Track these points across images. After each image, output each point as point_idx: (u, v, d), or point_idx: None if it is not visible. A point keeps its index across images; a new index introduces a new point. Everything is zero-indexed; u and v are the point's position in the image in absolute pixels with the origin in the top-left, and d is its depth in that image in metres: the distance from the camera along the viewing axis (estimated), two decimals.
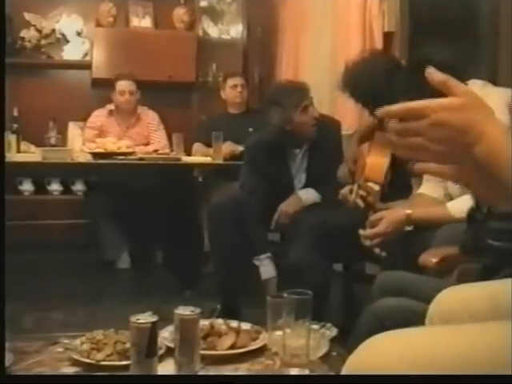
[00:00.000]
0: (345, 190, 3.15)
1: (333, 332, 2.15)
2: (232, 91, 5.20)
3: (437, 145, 1.00)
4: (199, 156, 4.85)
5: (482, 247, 1.72)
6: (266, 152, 3.76)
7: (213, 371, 1.94)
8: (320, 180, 3.68)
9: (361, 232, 2.64)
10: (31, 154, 4.73)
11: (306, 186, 3.78)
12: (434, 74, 1.01)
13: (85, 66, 6.16)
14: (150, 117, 5.50)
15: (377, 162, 3.10)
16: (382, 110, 1.02)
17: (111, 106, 5.44)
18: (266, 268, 3.57)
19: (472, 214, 1.85)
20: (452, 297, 1.53)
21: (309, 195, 3.69)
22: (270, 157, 3.76)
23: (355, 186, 3.08)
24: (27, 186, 5.81)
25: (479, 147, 0.99)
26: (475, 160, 1.00)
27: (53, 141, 5.68)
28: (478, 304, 1.44)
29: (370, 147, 3.21)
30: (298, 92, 3.66)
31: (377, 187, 2.98)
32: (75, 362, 1.98)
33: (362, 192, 3.01)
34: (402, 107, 1.01)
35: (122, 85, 5.30)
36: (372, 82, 3.02)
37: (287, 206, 3.62)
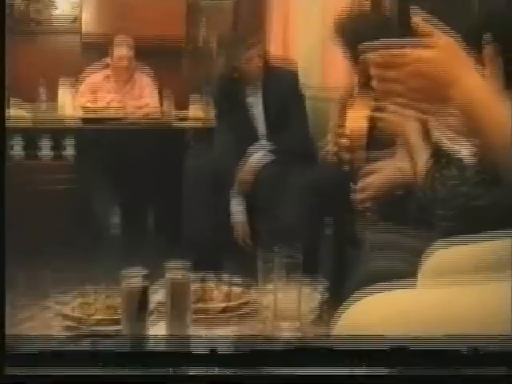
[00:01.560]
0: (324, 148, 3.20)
1: (324, 284, 2.16)
2: None
3: (413, 93, 1.04)
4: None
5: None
6: (224, 91, 4.08)
7: (204, 332, 1.96)
8: (278, 127, 3.93)
9: (352, 186, 2.61)
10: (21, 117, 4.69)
11: (267, 134, 4.01)
12: (419, 23, 1.04)
13: (74, 31, 6.10)
14: (144, 82, 5.43)
15: (358, 114, 3.10)
16: (363, 56, 1.06)
17: (107, 71, 5.36)
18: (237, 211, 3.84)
19: (420, 200, 1.88)
20: (443, 253, 1.53)
21: (258, 158, 3.84)
22: (228, 96, 4.03)
23: (329, 137, 3.11)
24: (18, 149, 5.76)
25: (454, 91, 1.02)
26: (450, 107, 1.03)
27: (43, 107, 5.64)
28: (467, 261, 1.44)
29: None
30: (242, 42, 3.98)
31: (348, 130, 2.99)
32: (67, 328, 1.99)
33: (336, 138, 3.04)
34: (384, 53, 1.05)
35: (121, 51, 5.23)
36: (364, 28, 3.08)
37: (243, 175, 3.79)
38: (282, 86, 3.95)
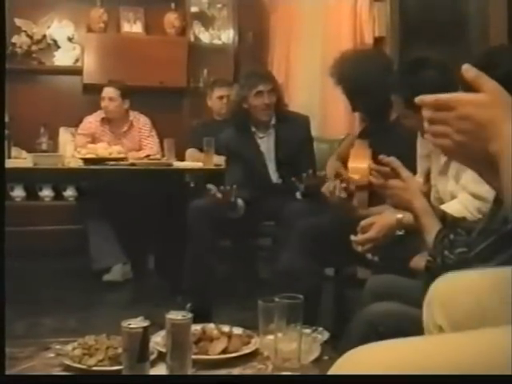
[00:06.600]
0: (327, 186, 3.19)
1: (324, 336, 2.15)
2: (218, 101, 5.14)
3: (459, 135, 1.09)
4: (192, 161, 4.83)
5: None
6: (235, 132, 4.12)
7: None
8: (288, 169, 3.95)
9: (352, 238, 2.61)
10: (22, 159, 4.72)
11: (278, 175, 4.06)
12: (469, 71, 1.09)
13: (76, 71, 6.16)
14: (141, 122, 5.45)
15: (359, 166, 3.11)
16: (419, 98, 1.13)
17: (103, 114, 5.38)
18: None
19: (429, 266, 1.88)
20: (453, 279, 1.51)
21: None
22: (240, 137, 4.08)
23: (337, 182, 3.11)
24: (18, 192, 5.78)
25: (494, 144, 1.06)
26: (489, 155, 1.06)
27: (44, 146, 5.67)
28: (481, 285, 1.42)
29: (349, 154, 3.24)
30: (257, 77, 4.05)
31: (356, 176, 2.99)
32: (67, 368, 1.97)
33: (344, 184, 3.04)
34: (435, 98, 1.12)
35: (104, 91, 5.28)
36: (363, 73, 3.13)
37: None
38: (295, 128, 4.01)
